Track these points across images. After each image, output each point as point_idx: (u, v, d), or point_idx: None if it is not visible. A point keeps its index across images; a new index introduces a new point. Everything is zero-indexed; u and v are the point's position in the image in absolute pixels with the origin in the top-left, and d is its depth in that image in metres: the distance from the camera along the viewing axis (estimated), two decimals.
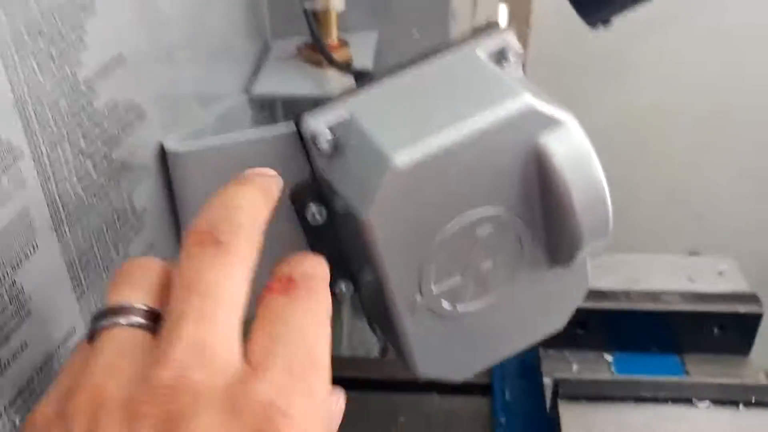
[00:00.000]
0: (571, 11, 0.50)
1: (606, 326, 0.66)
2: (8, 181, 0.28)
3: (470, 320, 0.41)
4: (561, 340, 0.64)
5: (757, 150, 0.82)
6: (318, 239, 0.43)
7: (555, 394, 0.59)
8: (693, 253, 0.73)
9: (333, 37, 0.57)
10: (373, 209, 0.35)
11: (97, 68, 0.34)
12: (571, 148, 0.37)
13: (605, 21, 0.52)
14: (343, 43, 0.59)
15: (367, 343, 0.75)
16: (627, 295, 0.66)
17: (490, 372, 0.67)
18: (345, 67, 0.55)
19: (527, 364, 0.68)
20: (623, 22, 0.50)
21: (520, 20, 0.76)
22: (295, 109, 0.57)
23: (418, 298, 0.38)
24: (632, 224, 0.82)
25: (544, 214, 0.39)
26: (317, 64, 0.58)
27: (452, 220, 0.37)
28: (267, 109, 0.59)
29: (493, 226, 0.38)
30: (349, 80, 0.54)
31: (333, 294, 0.44)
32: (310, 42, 0.58)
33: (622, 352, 0.67)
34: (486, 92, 0.37)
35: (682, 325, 0.66)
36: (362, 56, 0.58)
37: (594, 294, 0.65)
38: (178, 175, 0.40)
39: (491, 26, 0.41)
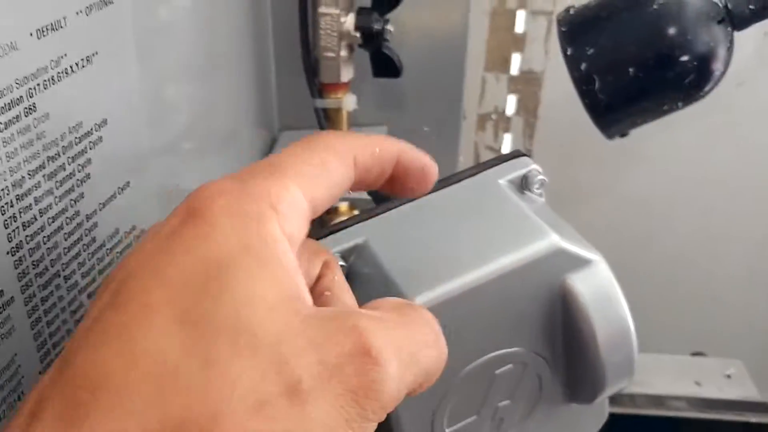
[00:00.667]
0: (578, 103, 0.50)
1: (608, 429, 0.65)
2: None
3: None
4: None
5: (763, 246, 0.82)
6: None
7: None
8: (697, 353, 0.71)
9: None
10: None
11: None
12: (598, 287, 0.36)
13: (623, 133, 0.52)
14: None
15: None
16: (632, 398, 0.65)
17: None
18: None
19: None
20: None
21: (528, 111, 0.76)
22: None
23: None
24: (636, 320, 0.81)
25: (567, 352, 0.37)
26: None
27: (471, 363, 0.36)
28: None
29: (513, 364, 0.37)
30: None
31: None
32: None
33: None
34: (512, 231, 0.36)
35: (688, 430, 0.65)
36: None
37: None
38: None
39: (515, 154, 0.41)
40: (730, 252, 0.82)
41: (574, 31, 0.47)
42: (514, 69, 0.75)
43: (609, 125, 0.50)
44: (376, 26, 0.53)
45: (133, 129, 0.35)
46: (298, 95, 0.57)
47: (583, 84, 0.47)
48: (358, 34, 0.52)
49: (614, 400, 0.65)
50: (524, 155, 0.41)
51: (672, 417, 0.64)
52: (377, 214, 0.39)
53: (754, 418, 0.64)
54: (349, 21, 0.52)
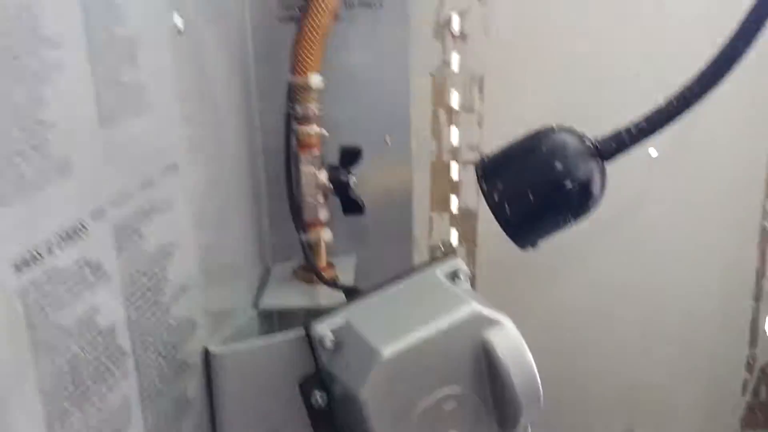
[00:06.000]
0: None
1: None
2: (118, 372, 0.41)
3: None
4: None
5: (685, 337, 0.97)
6: (320, 421, 0.55)
7: None
8: (628, 430, 0.84)
9: (323, 260, 0.73)
10: (367, 388, 0.48)
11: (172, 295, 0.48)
12: (508, 340, 0.51)
13: (533, 244, 0.66)
14: (330, 265, 0.74)
15: None
16: None
17: None
18: (333, 283, 0.70)
19: None
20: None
21: (469, 241, 0.94)
22: (291, 318, 0.71)
23: None
24: (575, 403, 0.94)
25: (493, 391, 0.52)
26: (309, 282, 0.73)
27: (425, 397, 0.50)
28: (268, 318, 0.73)
29: (457, 401, 0.51)
30: (337, 294, 0.68)
31: None
32: (303, 264, 0.74)
33: None
34: (444, 303, 0.52)
35: None
36: (346, 274, 0.74)
37: None
38: (217, 371, 0.53)
39: (447, 255, 0.58)
40: (659, 352, 0.97)
41: (487, 172, 0.62)
42: (454, 208, 0.93)
43: (521, 239, 0.64)
44: (344, 178, 0.71)
45: None
46: (287, 234, 0.73)
47: (497, 210, 0.62)
48: (330, 184, 0.70)
49: None
50: (453, 256, 0.58)
51: None
52: (353, 303, 0.54)
53: None
54: (322, 175, 0.70)
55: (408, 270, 0.57)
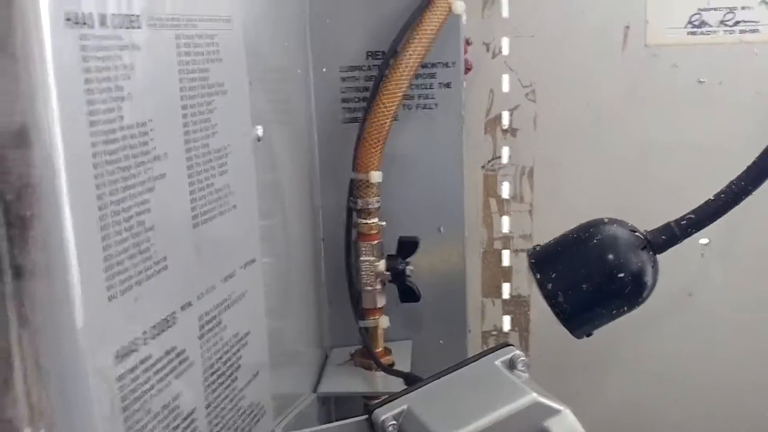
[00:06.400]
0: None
1: None
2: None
3: None
4: None
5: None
6: None
7: None
8: None
9: (380, 346, 0.75)
10: None
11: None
12: (568, 428, 0.52)
13: (588, 333, 0.67)
14: (387, 351, 0.76)
15: None
16: None
17: None
18: (390, 369, 0.72)
19: None
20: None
21: (522, 328, 0.95)
22: (349, 404, 0.73)
23: None
24: None
25: None
26: (368, 367, 0.75)
27: None
28: (326, 404, 0.75)
29: None
30: (394, 380, 0.70)
31: None
32: (360, 348, 0.76)
33: None
34: (503, 392, 0.54)
35: None
36: (402, 360, 0.76)
37: None
38: None
39: (504, 345, 0.59)
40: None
41: (540, 262, 0.63)
42: (506, 294, 0.95)
43: (575, 328, 0.65)
44: (400, 267, 0.74)
45: None
46: (345, 320, 0.76)
47: (551, 299, 0.63)
48: (388, 273, 0.73)
49: None
50: (511, 345, 0.60)
51: None
52: (413, 390, 0.56)
53: None
54: (381, 264, 0.73)
55: (465, 359, 0.59)
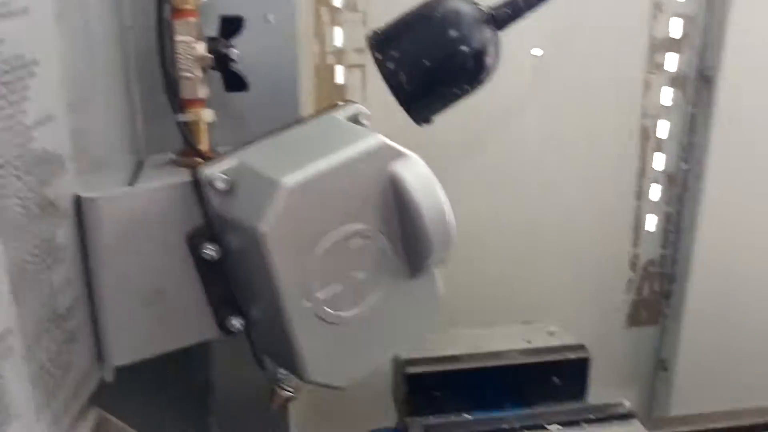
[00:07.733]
0: None
1: (459, 387, 0.75)
2: None
3: (351, 326, 0.48)
4: (423, 407, 0.72)
5: (569, 237, 0.98)
6: (212, 277, 0.49)
7: None
8: (526, 322, 0.84)
9: (205, 143, 0.66)
10: (266, 221, 0.43)
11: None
12: (418, 174, 0.48)
13: (427, 120, 0.64)
14: (215, 153, 0.68)
15: None
16: (472, 356, 0.76)
17: None
18: None
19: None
20: None
21: None
22: None
23: (306, 303, 0.46)
24: (472, 301, 0.93)
25: (401, 229, 0.49)
26: (192, 167, 0.66)
27: (329, 233, 0.46)
28: None
29: (363, 239, 0.48)
30: None
31: (227, 330, 0.50)
32: (183, 149, 0.67)
33: (479, 411, 0.75)
34: (347, 137, 0.48)
35: (525, 377, 0.76)
36: None
37: (442, 359, 0.75)
38: (89, 219, 0.46)
39: (346, 101, 0.53)
40: (545, 254, 0.98)
41: (381, 41, 0.60)
42: None
43: (417, 112, 0.62)
44: (224, 50, 0.65)
45: None
46: (162, 123, 0.66)
47: (392, 79, 0.59)
48: (211, 56, 0.64)
49: (458, 359, 0.75)
50: (354, 102, 0.54)
51: (508, 365, 0.75)
52: (247, 147, 0.49)
53: (572, 355, 0.77)
54: (200, 46, 0.64)
55: (302, 117, 0.52)
